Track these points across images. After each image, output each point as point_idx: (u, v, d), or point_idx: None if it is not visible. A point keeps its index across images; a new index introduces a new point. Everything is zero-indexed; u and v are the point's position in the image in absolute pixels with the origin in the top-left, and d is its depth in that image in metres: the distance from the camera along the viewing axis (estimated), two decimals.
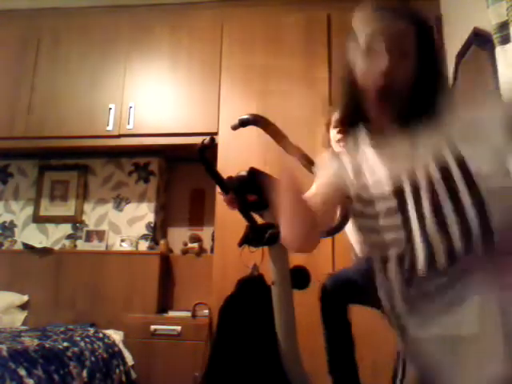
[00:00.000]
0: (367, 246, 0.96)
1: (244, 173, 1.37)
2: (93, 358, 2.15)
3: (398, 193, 0.85)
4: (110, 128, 2.91)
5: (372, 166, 0.91)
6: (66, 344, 2.07)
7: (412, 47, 0.87)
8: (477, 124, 0.82)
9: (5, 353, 1.67)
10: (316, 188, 0.99)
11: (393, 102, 0.86)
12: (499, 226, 0.76)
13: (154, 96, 2.95)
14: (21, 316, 2.83)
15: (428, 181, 0.81)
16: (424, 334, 0.82)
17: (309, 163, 1.35)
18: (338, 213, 1.08)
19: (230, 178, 1.40)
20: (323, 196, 0.97)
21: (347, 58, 0.95)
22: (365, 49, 0.89)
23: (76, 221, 3.17)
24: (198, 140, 1.38)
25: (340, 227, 1.12)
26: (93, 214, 3.18)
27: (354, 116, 0.95)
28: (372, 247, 0.93)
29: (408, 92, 0.86)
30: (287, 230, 0.93)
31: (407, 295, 0.84)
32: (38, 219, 3.21)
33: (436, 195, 0.80)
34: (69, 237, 3.15)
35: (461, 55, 2.37)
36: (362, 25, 0.92)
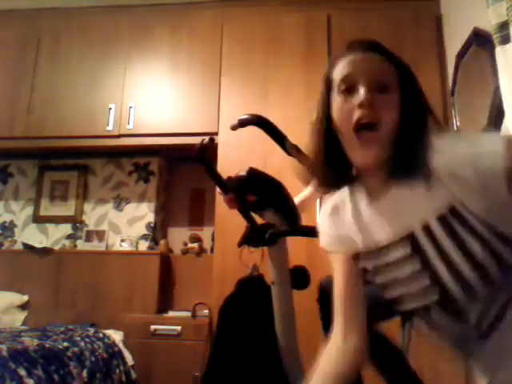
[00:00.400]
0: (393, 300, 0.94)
1: (243, 173, 1.37)
2: (93, 358, 2.15)
3: (411, 238, 0.82)
4: (110, 128, 2.91)
5: (373, 223, 0.88)
6: (66, 344, 2.07)
7: (393, 83, 0.83)
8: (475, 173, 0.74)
9: (5, 353, 1.67)
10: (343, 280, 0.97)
11: (377, 139, 0.80)
12: None
13: (153, 96, 2.95)
14: (21, 316, 2.83)
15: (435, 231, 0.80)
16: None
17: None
18: None
19: (230, 178, 1.40)
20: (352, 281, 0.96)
21: (321, 104, 0.89)
22: (343, 88, 0.84)
23: (76, 221, 3.17)
24: (197, 140, 1.38)
25: None
26: (93, 214, 3.18)
27: (335, 171, 0.88)
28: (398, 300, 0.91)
29: (392, 132, 0.81)
30: None
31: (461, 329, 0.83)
32: (38, 219, 3.21)
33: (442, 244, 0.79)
34: (69, 237, 3.15)
35: (461, 55, 2.37)
36: (339, 67, 0.87)
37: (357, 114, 0.80)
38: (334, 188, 0.93)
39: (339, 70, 0.86)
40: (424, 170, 0.79)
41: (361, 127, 0.80)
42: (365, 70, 0.83)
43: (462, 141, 0.79)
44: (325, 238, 1.00)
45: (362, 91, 0.81)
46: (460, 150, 0.76)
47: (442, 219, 0.78)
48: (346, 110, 0.83)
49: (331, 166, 0.88)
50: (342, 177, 0.89)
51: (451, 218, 0.78)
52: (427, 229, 0.80)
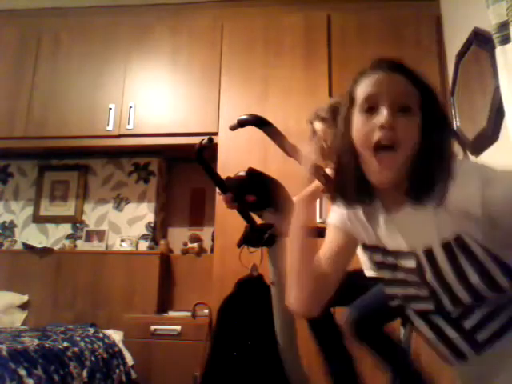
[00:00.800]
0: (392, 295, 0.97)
1: (243, 173, 1.37)
2: (93, 358, 2.15)
3: (419, 271, 0.85)
4: (109, 128, 2.91)
5: (385, 235, 0.90)
6: (66, 344, 2.07)
7: (416, 105, 0.83)
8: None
9: (5, 353, 1.67)
10: (329, 243, 0.99)
11: (395, 161, 0.81)
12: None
13: (153, 96, 2.95)
14: (21, 316, 2.83)
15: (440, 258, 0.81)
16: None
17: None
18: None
19: (229, 178, 1.40)
20: (335, 250, 0.97)
21: (343, 121, 0.89)
22: (365, 108, 0.84)
23: (76, 221, 3.17)
24: (197, 140, 1.38)
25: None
26: (93, 214, 3.18)
27: (355, 187, 0.89)
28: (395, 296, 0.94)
29: (410, 154, 0.81)
30: (295, 293, 0.96)
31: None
32: (38, 219, 3.21)
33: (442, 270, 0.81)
34: (69, 237, 3.15)
35: (461, 55, 2.37)
36: (363, 85, 0.87)
37: (377, 135, 0.81)
38: (355, 203, 0.92)
39: (362, 89, 0.86)
40: (438, 196, 0.79)
41: (380, 148, 0.81)
42: (388, 91, 0.83)
43: (476, 177, 0.78)
44: (339, 217, 1.00)
45: (384, 112, 0.81)
46: (473, 188, 0.76)
47: (445, 246, 0.80)
48: (366, 130, 0.83)
49: (351, 181, 0.88)
50: (361, 192, 0.89)
51: (455, 245, 0.79)
52: (430, 252, 0.82)
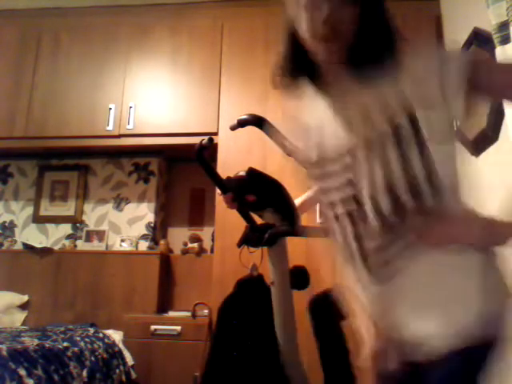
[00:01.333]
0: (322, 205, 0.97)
1: (243, 173, 1.37)
2: (93, 358, 2.15)
3: (351, 152, 0.86)
4: (110, 128, 2.91)
5: (328, 125, 0.93)
6: (65, 344, 2.07)
7: None
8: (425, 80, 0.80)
9: (5, 353, 1.67)
10: None
11: (337, 50, 0.85)
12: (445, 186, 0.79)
13: (153, 96, 2.95)
14: (21, 316, 2.84)
15: (380, 141, 0.82)
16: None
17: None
18: None
19: (229, 178, 1.40)
20: None
21: (286, 14, 0.94)
22: (304, 3, 0.87)
23: (76, 221, 3.17)
24: (197, 140, 1.38)
25: None
26: (93, 214, 3.18)
27: (298, 65, 0.94)
28: (324, 207, 0.95)
29: (353, 39, 0.85)
30: None
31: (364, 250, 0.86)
32: (38, 219, 3.21)
33: (387, 155, 0.81)
34: (69, 237, 3.15)
35: None
36: None
37: (319, 30, 0.85)
38: (298, 79, 0.97)
39: None
40: (386, 66, 0.84)
41: (322, 39, 0.85)
42: None
43: (428, 53, 0.84)
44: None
45: (323, 7, 0.84)
46: (427, 60, 0.82)
47: (395, 128, 0.81)
48: (308, 26, 0.87)
49: (299, 66, 0.93)
50: (307, 71, 0.94)
51: (405, 128, 0.80)
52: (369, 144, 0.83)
